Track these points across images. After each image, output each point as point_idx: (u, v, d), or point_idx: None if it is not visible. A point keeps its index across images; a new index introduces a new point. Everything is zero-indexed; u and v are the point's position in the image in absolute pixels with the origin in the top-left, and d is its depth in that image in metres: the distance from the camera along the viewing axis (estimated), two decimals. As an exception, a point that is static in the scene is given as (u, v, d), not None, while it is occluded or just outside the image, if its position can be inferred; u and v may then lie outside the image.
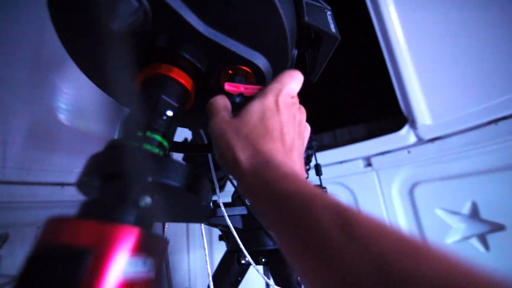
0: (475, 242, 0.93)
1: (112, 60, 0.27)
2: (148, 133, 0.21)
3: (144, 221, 0.17)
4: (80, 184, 0.21)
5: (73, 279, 0.14)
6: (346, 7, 1.20)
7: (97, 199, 0.18)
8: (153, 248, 0.16)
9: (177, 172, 0.20)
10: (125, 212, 0.16)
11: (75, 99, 1.08)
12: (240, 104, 0.27)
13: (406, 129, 1.05)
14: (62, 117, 1.05)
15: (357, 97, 1.59)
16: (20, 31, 0.93)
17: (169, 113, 0.23)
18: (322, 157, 1.24)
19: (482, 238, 0.92)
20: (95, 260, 0.14)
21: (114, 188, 0.18)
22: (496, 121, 0.88)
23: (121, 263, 0.15)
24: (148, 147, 0.20)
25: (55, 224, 0.16)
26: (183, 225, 1.46)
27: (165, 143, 0.23)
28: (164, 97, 0.24)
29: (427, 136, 1.00)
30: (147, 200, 0.18)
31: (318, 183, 0.60)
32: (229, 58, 0.27)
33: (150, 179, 0.18)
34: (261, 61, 0.28)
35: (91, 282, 0.14)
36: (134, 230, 0.15)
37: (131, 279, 0.15)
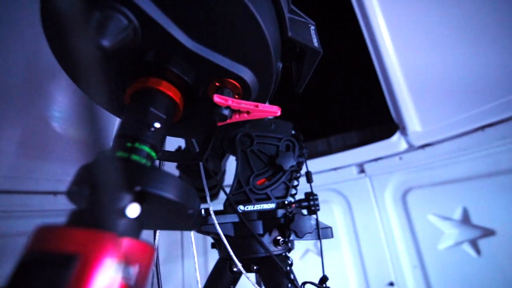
0: (467, 248, 0.94)
1: (103, 74, 0.28)
2: (137, 144, 0.22)
3: (130, 229, 0.18)
4: (70, 194, 0.22)
5: (59, 285, 0.14)
6: (336, 18, 1.24)
7: (85, 208, 0.19)
8: (138, 255, 0.17)
9: (163, 182, 0.21)
10: (111, 221, 0.17)
11: (69, 108, 1.08)
12: (227, 117, 0.28)
13: (397, 136, 1.07)
14: (55, 125, 1.05)
15: (350, 105, 1.61)
16: (14, 39, 0.94)
17: (157, 125, 0.24)
18: (316, 164, 1.25)
19: (474, 244, 0.94)
20: (81, 266, 0.15)
21: (101, 198, 0.18)
22: (483, 127, 0.91)
23: (105, 269, 0.15)
24: (136, 157, 0.21)
25: (42, 232, 0.17)
26: (177, 234, 1.45)
27: (153, 154, 0.24)
28: (152, 109, 0.25)
29: (417, 142, 1.02)
30: (134, 209, 0.18)
31: (309, 190, 0.61)
32: (216, 71, 0.28)
33: (137, 188, 0.19)
34: (247, 74, 0.29)
35: (77, 287, 0.15)
36: (119, 237, 0.16)
37: (116, 284, 0.16)
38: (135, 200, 0.19)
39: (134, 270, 0.17)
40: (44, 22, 0.26)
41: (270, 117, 0.66)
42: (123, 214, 0.18)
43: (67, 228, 0.17)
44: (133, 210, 0.19)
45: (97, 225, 0.17)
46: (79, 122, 0.17)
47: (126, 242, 0.17)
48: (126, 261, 0.16)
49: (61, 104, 1.05)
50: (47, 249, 0.16)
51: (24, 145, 1.01)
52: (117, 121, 1.18)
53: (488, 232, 0.91)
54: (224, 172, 0.84)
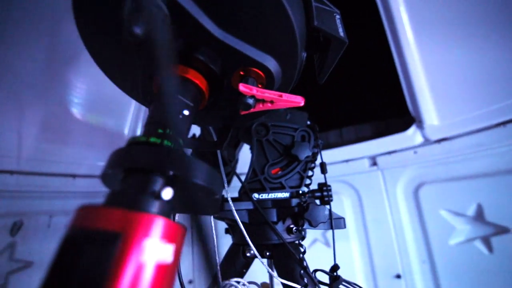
0: (479, 244, 0.94)
1: (134, 63, 0.29)
2: (168, 131, 0.23)
3: (165, 211, 0.19)
4: (104, 176, 0.23)
5: (106, 260, 0.16)
6: (356, 8, 1.20)
7: (123, 190, 0.20)
8: (174, 235, 0.18)
9: (195, 167, 0.22)
10: (150, 203, 0.18)
11: (87, 93, 1.11)
12: (251, 106, 0.29)
13: (413, 129, 1.05)
14: (74, 110, 1.08)
15: (365, 96, 1.58)
16: (35, 27, 0.96)
17: (186, 112, 0.25)
18: (327, 155, 1.25)
19: (486, 241, 0.93)
20: (124, 244, 0.16)
21: (138, 181, 0.19)
22: (504, 123, 0.88)
23: (146, 248, 0.16)
24: (168, 143, 0.22)
25: (85, 211, 0.18)
26: (187, 219, 1.49)
27: (181, 140, 0.25)
28: (180, 97, 0.25)
29: (434, 136, 1.00)
30: (168, 192, 0.19)
31: (323, 181, 0.61)
32: (242, 60, 0.28)
33: (171, 172, 0.20)
34: (272, 64, 0.29)
35: (121, 263, 0.16)
36: (159, 218, 0.17)
37: (155, 262, 0.17)
38: (168, 183, 0.20)
39: (171, 249, 0.18)
40: (77, 13, 0.26)
41: (286, 107, 0.66)
42: (159, 197, 0.19)
43: (109, 208, 0.18)
44: (167, 193, 0.20)
45: (137, 206, 0.18)
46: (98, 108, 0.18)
47: (163, 222, 0.18)
48: (164, 241, 0.17)
49: (79, 90, 1.08)
50: (91, 227, 0.17)
51: (45, 129, 1.05)
52: (132, 105, 1.19)
53: (501, 230, 0.90)
54: (237, 161, 0.85)
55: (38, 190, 1.06)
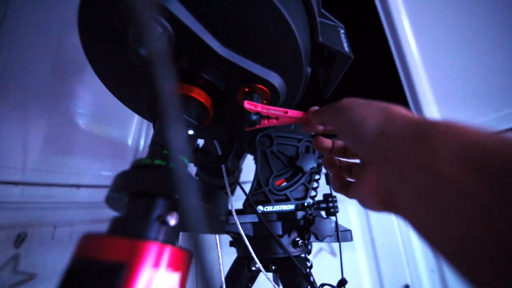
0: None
1: (139, 82, 0.29)
2: (172, 152, 0.23)
3: (171, 237, 0.18)
4: (109, 200, 0.22)
5: (110, 293, 0.15)
6: (357, 16, 1.20)
7: (127, 217, 0.19)
8: (180, 262, 0.18)
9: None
10: (155, 230, 0.17)
11: (92, 104, 1.12)
12: (256, 122, 0.28)
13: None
14: (79, 121, 1.09)
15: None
16: (40, 37, 0.97)
17: (190, 132, 0.25)
18: (331, 163, 1.23)
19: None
20: (129, 275, 0.16)
21: (142, 206, 0.19)
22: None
23: (152, 278, 0.16)
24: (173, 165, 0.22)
25: (89, 241, 0.18)
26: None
27: (186, 161, 0.25)
28: (185, 116, 0.25)
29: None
30: (174, 217, 0.19)
31: (328, 192, 0.60)
32: (247, 77, 0.28)
33: (176, 196, 0.20)
34: (277, 80, 0.29)
35: (126, 295, 0.15)
36: (164, 247, 0.17)
37: (160, 293, 0.16)
38: (174, 208, 0.20)
39: (176, 278, 0.17)
40: (83, 35, 0.26)
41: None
42: (164, 222, 0.19)
43: (112, 237, 0.17)
44: (173, 218, 0.19)
45: (141, 235, 0.17)
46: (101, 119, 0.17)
47: (169, 251, 0.17)
48: (170, 269, 0.17)
49: (84, 101, 1.09)
50: (94, 258, 0.16)
51: (50, 139, 1.05)
52: (136, 115, 1.20)
53: None
54: (240, 171, 0.85)
55: (43, 201, 1.06)
